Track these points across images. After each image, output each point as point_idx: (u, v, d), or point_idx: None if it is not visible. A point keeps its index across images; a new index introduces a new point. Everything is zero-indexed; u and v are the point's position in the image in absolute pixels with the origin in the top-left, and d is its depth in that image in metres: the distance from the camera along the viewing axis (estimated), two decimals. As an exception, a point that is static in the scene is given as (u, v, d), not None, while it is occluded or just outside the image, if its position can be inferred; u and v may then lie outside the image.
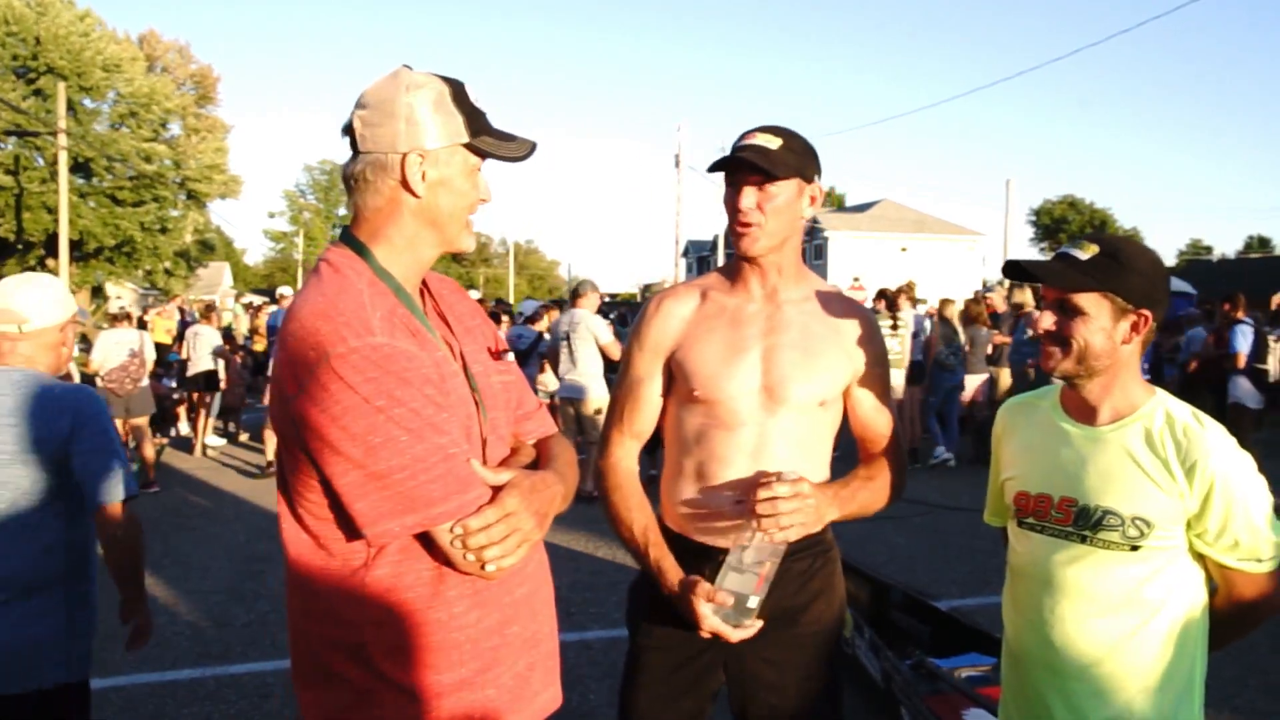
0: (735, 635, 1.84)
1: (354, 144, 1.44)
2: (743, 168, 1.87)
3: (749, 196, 1.88)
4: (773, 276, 1.98)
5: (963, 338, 9.49)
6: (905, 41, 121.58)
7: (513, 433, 1.63)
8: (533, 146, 1.51)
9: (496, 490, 1.40)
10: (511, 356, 1.67)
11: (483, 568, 1.35)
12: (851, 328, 1.99)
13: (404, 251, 1.46)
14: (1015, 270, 1.73)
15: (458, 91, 1.45)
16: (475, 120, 1.45)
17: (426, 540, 1.37)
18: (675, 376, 2.01)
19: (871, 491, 2.02)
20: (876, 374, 2.02)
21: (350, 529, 1.35)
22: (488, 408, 1.52)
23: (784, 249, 1.95)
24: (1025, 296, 9.16)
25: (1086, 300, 1.65)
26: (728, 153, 1.90)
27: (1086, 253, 1.65)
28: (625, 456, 2.08)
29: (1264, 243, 61.14)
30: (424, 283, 1.56)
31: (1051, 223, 58.51)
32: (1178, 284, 17.84)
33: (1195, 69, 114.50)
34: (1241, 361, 8.21)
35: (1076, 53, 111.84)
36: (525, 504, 1.38)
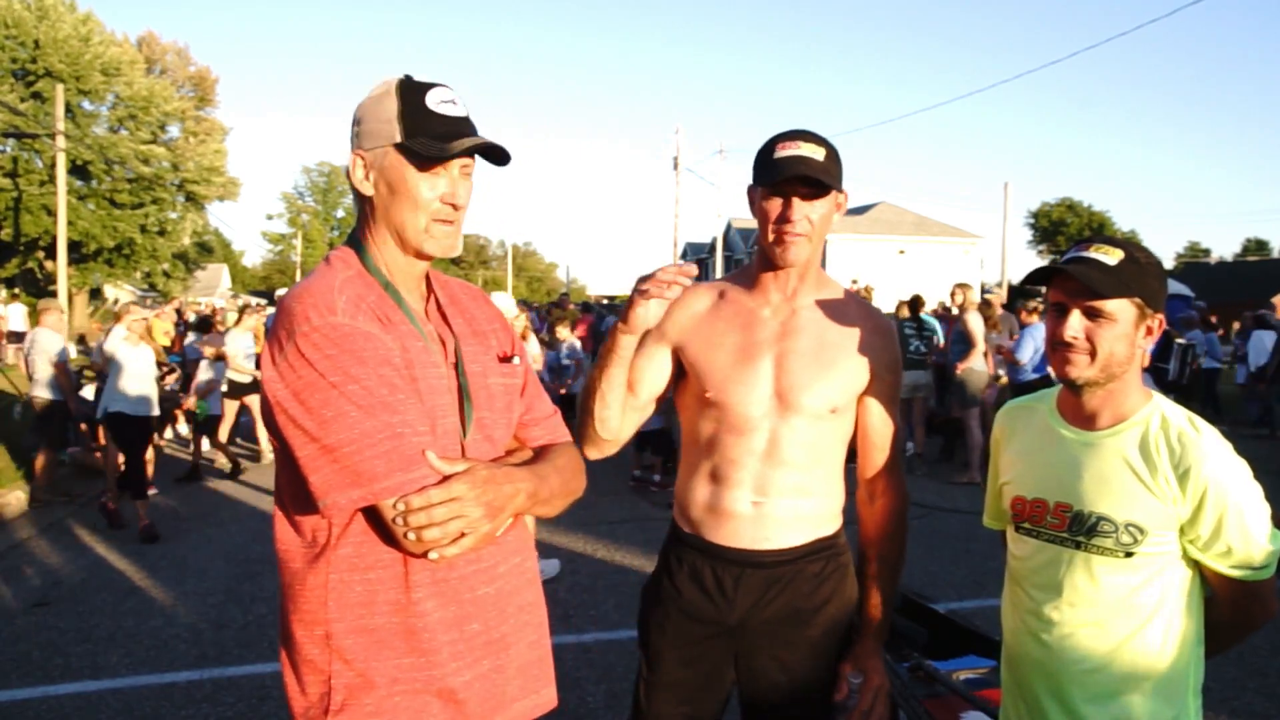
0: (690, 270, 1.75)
1: None
2: (796, 180, 1.85)
3: (800, 209, 1.86)
4: (793, 281, 1.97)
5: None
6: (903, 44, 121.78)
7: (515, 435, 1.65)
8: (476, 148, 1.47)
9: (448, 479, 1.39)
10: (519, 362, 1.67)
11: (427, 554, 1.36)
12: (868, 334, 1.96)
13: (384, 250, 1.52)
14: (1048, 273, 1.68)
15: (412, 94, 1.46)
16: (416, 120, 1.44)
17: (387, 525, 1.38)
18: (689, 375, 2.01)
19: (894, 564, 2.04)
20: (888, 382, 2.00)
21: (313, 504, 1.38)
22: (476, 406, 1.53)
23: (814, 257, 1.95)
24: (968, 297, 9.18)
25: (1116, 306, 1.62)
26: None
27: (1113, 257, 1.62)
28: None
29: (1261, 245, 61.21)
30: (432, 283, 1.61)
31: (1050, 225, 58.52)
32: (1176, 286, 17.89)
33: (1193, 72, 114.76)
34: (1146, 360, 9.01)
35: (1074, 55, 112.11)
36: (475, 492, 1.37)
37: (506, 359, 1.64)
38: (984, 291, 13.41)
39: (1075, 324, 1.64)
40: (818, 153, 1.86)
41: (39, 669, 4.38)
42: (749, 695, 2.02)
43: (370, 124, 1.47)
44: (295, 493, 1.43)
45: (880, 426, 2.01)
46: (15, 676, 4.29)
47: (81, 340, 21.99)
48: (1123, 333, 1.63)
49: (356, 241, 1.54)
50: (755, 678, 1.99)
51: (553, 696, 1.63)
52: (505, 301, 8.03)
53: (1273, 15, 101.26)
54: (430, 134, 1.45)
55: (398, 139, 1.45)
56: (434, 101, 1.47)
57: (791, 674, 1.97)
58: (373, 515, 1.39)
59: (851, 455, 2.04)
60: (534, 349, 7.96)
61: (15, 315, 19.38)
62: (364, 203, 1.52)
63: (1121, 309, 1.62)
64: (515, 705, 1.54)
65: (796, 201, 1.86)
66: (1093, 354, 1.63)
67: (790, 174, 1.83)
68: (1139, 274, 1.62)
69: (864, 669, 1.97)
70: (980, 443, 8.72)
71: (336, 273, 1.46)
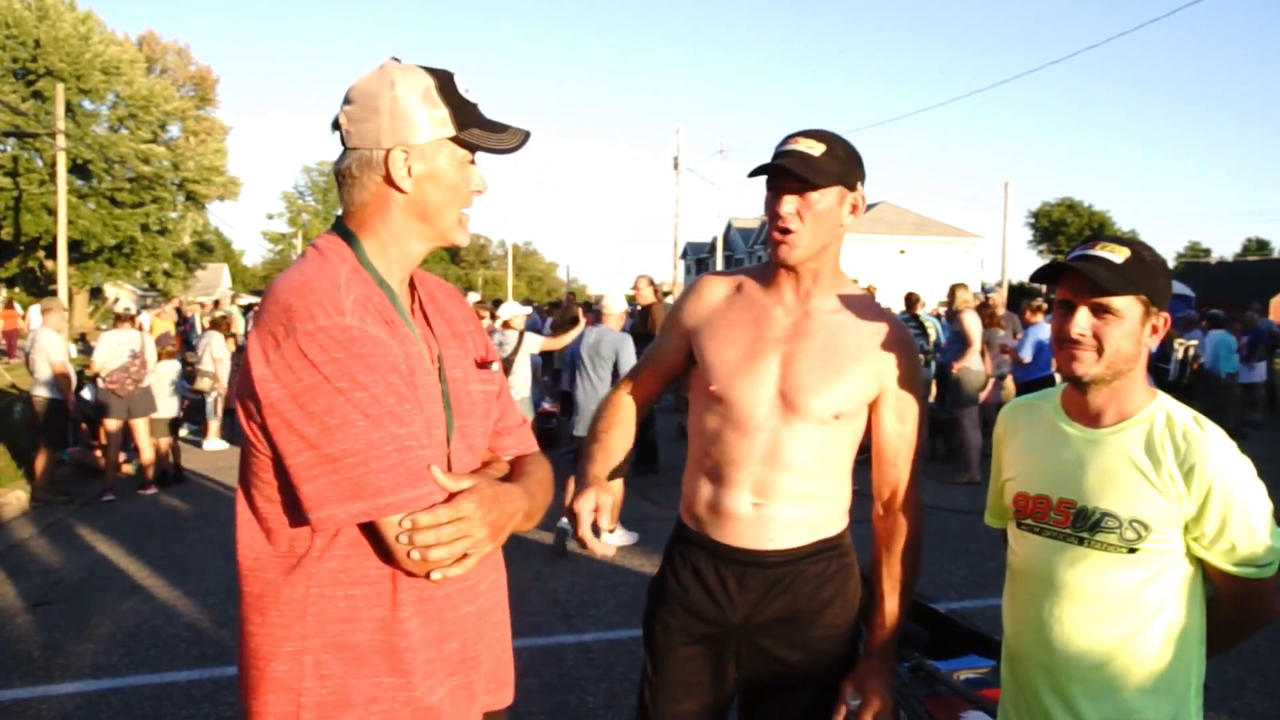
0: (597, 550, 1.70)
1: (343, 140, 1.44)
2: (784, 174, 1.84)
3: (789, 203, 1.85)
4: (807, 282, 1.94)
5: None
6: (904, 44, 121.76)
7: (489, 446, 1.60)
8: (525, 136, 1.48)
9: (453, 496, 1.35)
10: (497, 367, 1.64)
11: (428, 575, 1.32)
12: (883, 342, 1.92)
13: (390, 245, 1.45)
14: (1055, 270, 1.69)
15: (444, 83, 1.43)
16: (463, 112, 1.43)
17: (378, 539, 1.33)
18: (698, 366, 2.01)
19: (905, 582, 2.05)
20: (903, 394, 1.94)
21: (298, 514, 1.31)
22: (458, 414, 1.48)
23: (822, 256, 1.93)
24: (966, 296, 9.20)
25: (1123, 303, 1.62)
26: (769, 158, 1.88)
27: (1120, 255, 1.63)
28: (625, 392, 2.12)
29: (1262, 245, 61.20)
30: (414, 283, 1.55)
31: (1050, 225, 58.48)
32: (1177, 286, 17.91)
33: (1194, 71, 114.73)
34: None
35: (1075, 55, 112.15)
36: (482, 512, 1.34)
37: (484, 364, 1.60)
38: (985, 291, 13.45)
39: (1082, 321, 1.64)
40: (815, 149, 1.84)
41: (40, 668, 4.38)
42: (750, 695, 2.01)
43: (412, 117, 1.39)
44: (278, 499, 1.36)
45: (895, 440, 1.97)
46: (16, 676, 4.29)
47: (82, 339, 21.98)
48: (1129, 330, 1.63)
49: (348, 232, 1.44)
50: (757, 677, 1.98)
51: (508, 698, 1.63)
52: (515, 309, 8.04)
53: (1273, 15, 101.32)
54: (479, 125, 1.44)
55: (452, 131, 1.42)
56: (462, 90, 1.45)
57: (793, 674, 1.96)
58: (364, 530, 1.33)
59: (863, 454, 2.03)
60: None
61: (36, 316, 19.87)
62: (381, 196, 1.42)
63: (1128, 306, 1.62)
64: (476, 710, 1.52)
65: (785, 197, 1.86)
66: (1099, 351, 1.64)
67: (774, 167, 1.84)
68: (1145, 272, 1.62)
69: (864, 689, 1.92)
70: (976, 442, 8.74)
71: (335, 267, 1.37)
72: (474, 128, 1.44)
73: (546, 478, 1.61)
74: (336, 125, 1.44)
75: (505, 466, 1.59)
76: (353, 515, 1.29)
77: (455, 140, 1.43)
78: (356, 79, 1.44)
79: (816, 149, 1.85)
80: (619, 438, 2.01)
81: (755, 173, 1.89)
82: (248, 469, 1.40)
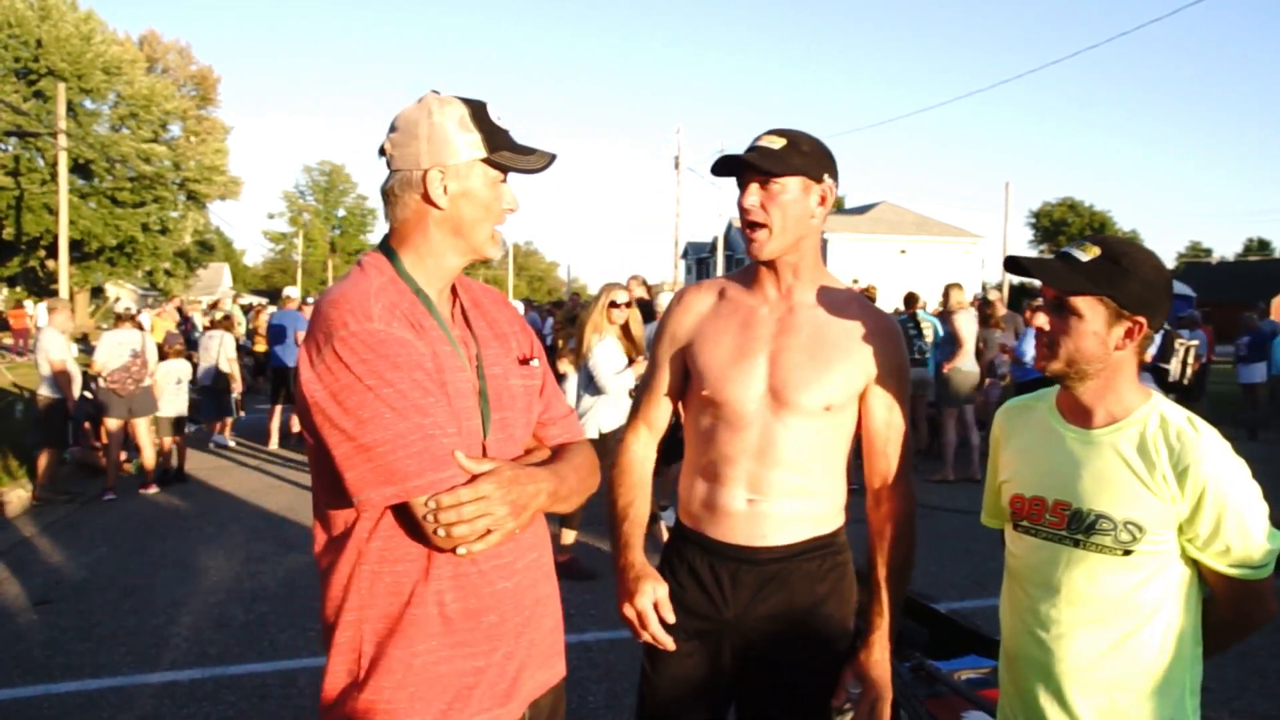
0: (666, 642, 1.92)
1: (388, 163, 1.58)
2: (745, 168, 1.89)
3: (752, 195, 1.90)
4: (788, 278, 1.98)
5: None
6: (904, 44, 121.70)
7: (535, 435, 1.73)
8: (551, 158, 1.61)
9: (475, 478, 1.47)
10: (538, 364, 1.74)
11: (455, 550, 1.45)
12: (868, 334, 1.95)
13: (428, 258, 1.59)
14: (1015, 266, 1.73)
15: (477, 111, 1.57)
16: (494, 136, 1.57)
17: (412, 520, 1.46)
18: (691, 374, 2.04)
19: (899, 570, 2.01)
20: (891, 385, 1.97)
21: (347, 499, 1.46)
22: (496, 407, 1.60)
23: (799, 249, 1.95)
24: (959, 296, 9.23)
25: (1082, 303, 1.63)
26: (722, 153, 1.94)
27: (1088, 254, 1.64)
28: (635, 443, 2.14)
29: (1263, 245, 61.22)
30: (458, 290, 1.68)
31: (1051, 225, 58.55)
32: (1177, 286, 17.90)
33: (1195, 71, 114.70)
34: (1147, 358, 8.90)
35: (1076, 55, 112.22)
36: (501, 491, 1.46)
37: (526, 361, 1.72)
38: (984, 291, 13.50)
39: (1042, 316, 1.68)
40: (776, 143, 1.89)
41: (41, 667, 4.39)
42: (745, 692, 2.02)
43: (449, 140, 1.53)
44: (330, 488, 1.50)
45: (884, 430, 1.99)
46: (17, 674, 4.30)
47: (83, 339, 21.99)
48: (1090, 330, 1.64)
49: (389, 249, 1.59)
50: (751, 674, 1.99)
51: (561, 669, 1.73)
52: (520, 309, 8.13)
53: (1273, 15, 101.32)
54: (509, 148, 1.57)
55: (484, 154, 1.55)
56: (494, 117, 1.59)
57: (787, 671, 1.97)
58: (399, 512, 1.47)
59: (859, 454, 2.04)
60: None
61: (43, 315, 19.89)
62: (420, 213, 1.56)
63: (1088, 306, 1.63)
64: (526, 685, 1.62)
65: (749, 188, 1.91)
66: (1054, 347, 1.66)
67: (731, 159, 1.90)
68: (1113, 273, 1.62)
69: (864, 676, 1.94)
70: (954, 441, 8.90)
71: (371, 279, 1.53)
72: (504, 150, 1.57)
73: (584, 463, 1.72)
74: (383, 151, 1.58)
75: (546, 453, 1.71)
76: (386, 498, 1.43)
77: (487, 162, 1.56)
78: (401, 109, 1.58)
79: (777, 143, 1.90)
80: (642, 507, 2.08)
81: (716, 167, 1.93)
82: (314, 462, 1.56)
